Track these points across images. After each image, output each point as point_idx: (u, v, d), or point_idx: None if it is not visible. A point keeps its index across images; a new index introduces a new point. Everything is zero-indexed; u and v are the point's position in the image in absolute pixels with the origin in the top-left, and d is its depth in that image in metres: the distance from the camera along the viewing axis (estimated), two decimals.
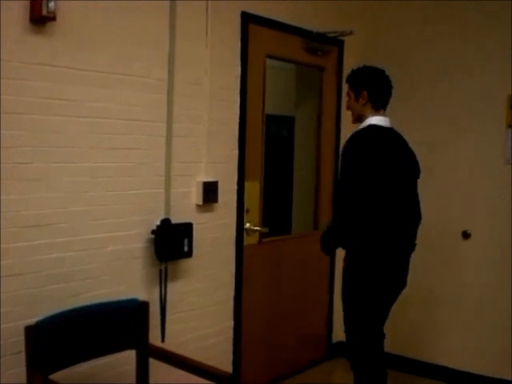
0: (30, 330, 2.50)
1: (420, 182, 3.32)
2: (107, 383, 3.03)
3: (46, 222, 2.76)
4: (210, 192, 3.52)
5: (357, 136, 3.14)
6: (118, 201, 3.08)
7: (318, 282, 4.57)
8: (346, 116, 3.67)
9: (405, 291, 3.28)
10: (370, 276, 3.10)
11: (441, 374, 4.32)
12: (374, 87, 3.20)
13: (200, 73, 3.47)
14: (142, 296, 3.10)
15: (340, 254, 3.46)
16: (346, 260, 3.22)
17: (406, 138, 3.31)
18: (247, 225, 3.88)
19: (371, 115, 3.18)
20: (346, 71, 3.49)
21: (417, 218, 3.28)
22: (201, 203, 3.48)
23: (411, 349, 4.46)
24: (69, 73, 2.81)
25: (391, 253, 3.14)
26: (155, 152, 3.25)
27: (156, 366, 2.95)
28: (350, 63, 4.50)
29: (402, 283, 3.25)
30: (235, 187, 3.77)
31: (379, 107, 3.21)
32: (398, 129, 3.29)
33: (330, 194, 4.50)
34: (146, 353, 2.92)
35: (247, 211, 3.89)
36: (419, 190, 3.31)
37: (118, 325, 2.86)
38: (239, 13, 3.69)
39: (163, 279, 3.28)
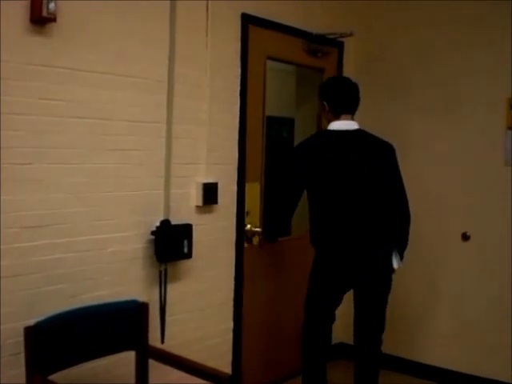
0: (29, 331, 2.49)
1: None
2: None
3: (45, 223, 2.76)
4: (209, 193, 3.52)
5: (302, 141, 3.55)
6: (118, 202, 3.08)
7: None
8: None
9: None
10: (317, 267, 3.46)
11: (431, 373, 4.34)
12: (332, 97, 3.45)
13: (200, 74, 3.47)
14: (141, 297, 3.09)
15: None
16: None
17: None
18: (248, 226, 3.88)
19: (332, 121, 3.44)
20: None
21: (403, 217, 3.43)
22: (201, 204, 3.48)
23: (405, 349, 4.47)
24: (69, 74, 2.81)
25: (334, 245, 3.38)
26: (155, 153, 3.25)
27: (155, 367, 2.95)
28: (351, 64, 4.54)
29: (356, 275, 3.39)
30: (235, 188, 3.77)
31: (339, 114, 3.43)
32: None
33: None
34: (146, 354, 2.91)
35: (247, 213, 3.89)
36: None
37: (118, 326, 2.86)
38: (239, 14, 3.69)
39: (163, 280, 3.28)
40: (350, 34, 4.26)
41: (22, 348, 2.52)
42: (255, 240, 3.92)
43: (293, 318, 4.31)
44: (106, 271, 3.04)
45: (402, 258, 3.46)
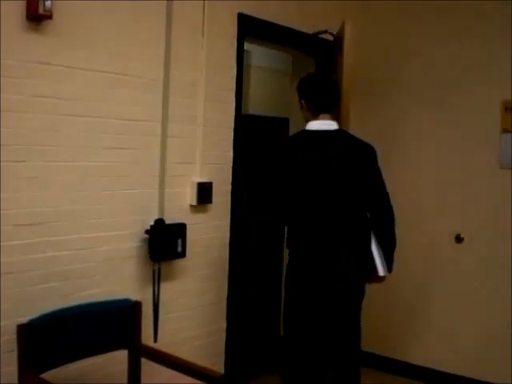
0: (22, 329, 2.49)
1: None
2: (99, 383, 3.02)
3: (39, 221, 2.76)
4: (204, 193, 3.52)
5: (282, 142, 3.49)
6: (112, 200, 3.08)
7: None
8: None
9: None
10: (290, 271, 3.30)
11: (419, 373, 4.35)
12: (309, 95, 3.29)
13: (196, 73, 3.47)
14: (134, 296, 3.09)
15: None
16: None
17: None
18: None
19: (311, 121, 3.28)
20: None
21: (386, 219, 3.28)
22: (195, 204, 3.48)
23: (394, 348, 4.49)
24: (64, 71, 2.81)
25: (306, 249, 3.22)
26: (150, 152, 3.25)
27: (148, 366, 2.95)
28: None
29: (326, 279, 3.18)
30: (230, 188, 3.77)
31: (318, 112, 3.27)
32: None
33: None
34: (138, 353, 2.91)
35: None
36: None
37: (111, 324, 2.86)
38: (235, 14, 3.69)
39: (156, 279, 3.28)
40: (342, 33, 4.26)
41: (15, 346, 2.51)
42: None
43: None
44: (100, 270, 3.04)
45: (391, 262, 3.30)
